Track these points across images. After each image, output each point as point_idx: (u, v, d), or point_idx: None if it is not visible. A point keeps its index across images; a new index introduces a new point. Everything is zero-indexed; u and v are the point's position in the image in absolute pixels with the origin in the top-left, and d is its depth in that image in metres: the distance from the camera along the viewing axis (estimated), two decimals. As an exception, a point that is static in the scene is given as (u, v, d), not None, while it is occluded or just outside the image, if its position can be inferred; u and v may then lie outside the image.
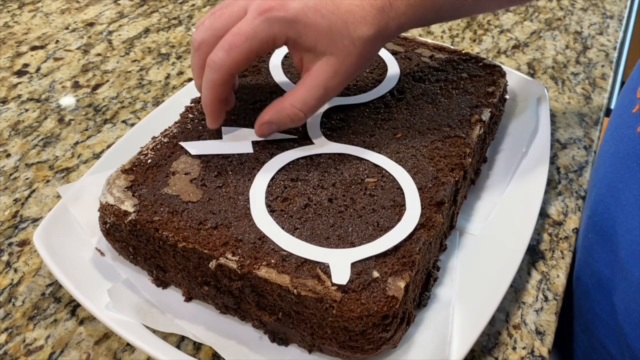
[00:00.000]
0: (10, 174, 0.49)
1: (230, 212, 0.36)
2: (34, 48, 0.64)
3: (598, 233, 0.43)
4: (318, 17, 0.36)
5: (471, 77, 0.49)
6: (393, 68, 0.50)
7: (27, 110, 0.55)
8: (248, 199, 0.37)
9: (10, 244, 0.43)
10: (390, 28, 0.38)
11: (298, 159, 0.40)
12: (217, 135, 0.42)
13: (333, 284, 0.32)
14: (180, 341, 0.37)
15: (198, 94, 0.46)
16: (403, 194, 0.38)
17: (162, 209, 0.36)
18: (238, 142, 0.41)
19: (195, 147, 0.40)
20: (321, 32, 0.36)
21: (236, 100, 0.45)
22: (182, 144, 0.41)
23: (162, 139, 0.41)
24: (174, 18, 0.70)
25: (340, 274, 0.32)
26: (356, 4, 0.37)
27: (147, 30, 0.68)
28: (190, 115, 0.43)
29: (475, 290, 0.38)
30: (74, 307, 0.39)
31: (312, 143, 0.41)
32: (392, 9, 0.38)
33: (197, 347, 0.37)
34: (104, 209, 0.37)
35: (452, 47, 0.53)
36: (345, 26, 0.37)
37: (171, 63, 0.62)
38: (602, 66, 0.65)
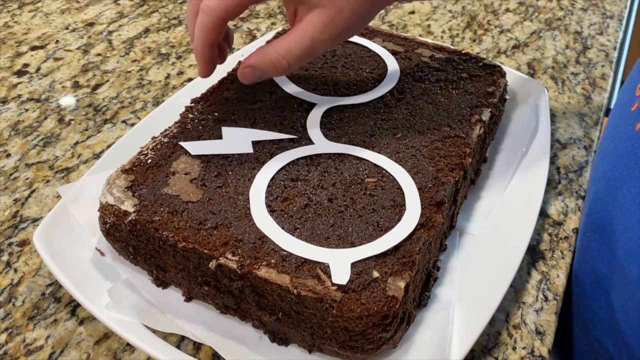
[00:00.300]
0: (10, 174, 0.49)
1: (230, 212, 0.36)
2: (34, 48, 0.64)
3: (596, 231, 0.43)
4: None
5: (471, 77, 0.49)
6: (393, 68, 0.50)
7: (27, 110, 0.55)
8: (248, 199, 0.37)
9: (10, 244, 0.43)
10: None
11: (298, 159, 0.40)
12: (217, 135, 0.42)
13: (333, 284, 0.32)
14: (180, 341, 0.37)
15: (198, 94, 0.46)
16: (403, 194, 0.38)
17: (162, 209, 0.36)
18: (238, 142, 0.41)
19: (194, 147, 0.40)
20: None
21: (236, 100, 0.45)
22: (181, 143, 0.41)
23: (162, 139, 0.41)
24: (174, 18, 0.70)
25: (340, 274, 0.32)
26: None
27: (147, 30, 0.68)
28: (190, 115, 0.43)
29: (475, 290, 0.38)
30: (74, 307, 0.39)
31: (312, 143, 0.41)
32: None
33: (197, 347, 0.37)
34: (104, 209, 0.37)
35: (452, 47, 0.53)
36: None
37: (171, 63, 0.62)
38: (602, 66, 0.65)
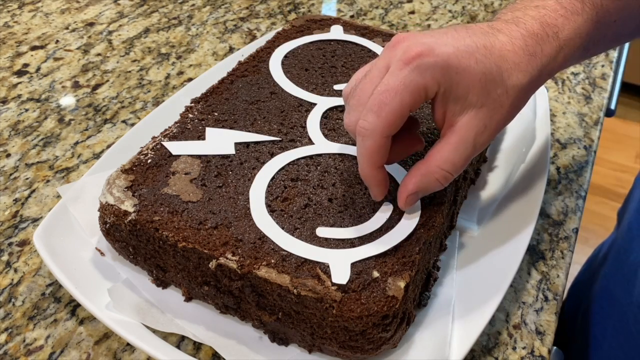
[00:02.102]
0: (10, 174, 0.49)
1: (230, 212, 0.36)
2: (34, 48, 0.64)
3: None
4: (472, 61, 0.32)
5: (471, 77, 0.49)
6: (393, 68, 0.49)
7: (27, 110, 0.55)
8: (248, 199, 0.37)
9: (10, 244, 0.43)
10: (542, 76, 0.35)
11: (298, 159, 0.40)
12: (203, 136, 0.42)
13: (333, 284, 0.32)
14: (180, 341, 0.37)
15: (198, 94, 0.46)
16: (403, 194, 0.38)
17: (162, 209, 0.36)
18: (220, 143, 0.41)
19: (177, 147, 0.40)
20: (474, 79, 0.33)
21: (236, 100, 0.45)
22: (164, 143, 0.40)
23: (162, 139, 0.41)
24: (174, 18, 0.70)
25: (340, 274, 0.32)
26: (508, 49, 0.33)
27: (147, 30, 0.68)
28: (190, 115, 0.43)
29: (475, 290, 0.38)
30: (74, 307, 0.39)
31: (312, 143, 0.41)
32: (544, 55, 0.34)
33: (197, 347, 0.37)
34: (104, 209, 0.37)
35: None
36: (499, 72, 0.33)
37: (171, 63, 0.62)
38: (602, 66, 0.65)
